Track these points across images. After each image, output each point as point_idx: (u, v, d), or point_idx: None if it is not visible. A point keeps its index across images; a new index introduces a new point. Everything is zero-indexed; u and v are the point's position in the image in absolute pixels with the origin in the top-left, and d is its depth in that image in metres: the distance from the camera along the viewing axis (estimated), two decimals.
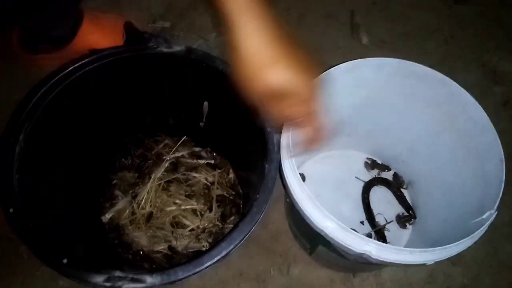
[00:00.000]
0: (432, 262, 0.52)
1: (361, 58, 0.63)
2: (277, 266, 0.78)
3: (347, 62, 0.63)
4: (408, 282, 0.77)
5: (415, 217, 0.80)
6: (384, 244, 0.51)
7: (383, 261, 0.52)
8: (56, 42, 0.91)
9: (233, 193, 0.81)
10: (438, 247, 0.51)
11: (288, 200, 0.70)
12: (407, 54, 1.01)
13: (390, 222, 0.80)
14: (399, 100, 0.70)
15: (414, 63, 0.63)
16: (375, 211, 0.80)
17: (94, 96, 0.65)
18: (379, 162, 0.86)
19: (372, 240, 0.51)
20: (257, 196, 0.53)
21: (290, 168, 0.56)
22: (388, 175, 0.86)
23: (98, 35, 0.87)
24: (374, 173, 0.86)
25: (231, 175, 0.83)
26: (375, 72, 0.65)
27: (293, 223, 0.73)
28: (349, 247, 0.52)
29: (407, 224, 0.80)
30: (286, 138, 0.58)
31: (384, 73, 0.65)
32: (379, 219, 0.80)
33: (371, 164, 0.86)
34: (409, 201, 0.82)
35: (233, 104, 0.66)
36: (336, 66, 0.62)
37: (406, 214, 0.81)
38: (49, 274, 0.77)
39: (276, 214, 0.83)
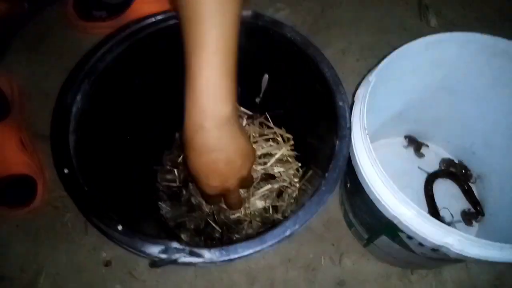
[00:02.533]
0: None
1: None
2: (329, 255, 0.74)
3: (427, 36, 0.57)
4: (472, 284, 0.71)
5: (483, 214, 0.73)
6: (470, 236, 0.45)
7: (464, 256, 0.46)
8: (111, 10, 0.89)
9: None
10: None
11: (349, 185, 0.65)
12: None
13: (458, 221, 0.73)
14: (481, 83, 0.63)
15: (508, 40, 0.56)
16: (439, 206, 0.74)
17: (154, 61, 0.62)
18: (417, 139, 0.81)
19: (456, 230, 0.46)
20: (326, 174, 0.48)
21: (362, 145, 0.51)
22: (425, 151, 0.80)
23: (154, 4, 0.84)
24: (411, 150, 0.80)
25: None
26: (459, 49, 0.59)
27: (352, 210, 0.68)
28: (427, 238, 0.47)
29: (473, 221, 0.74)
30: (358, 112, 0.53)
31: (469, 51, 0.59)
32: (444, 214, 0.74)
33: (409, 139, 0.80)
34: (477, 197, 0.75)
35: (299, 76, 0.62)
36: (415, 41, 0.56)
37: (473, 210, 0.74)
38: (93, 245, 0.76)
39: (329, 200, 0.77)
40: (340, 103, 0.54)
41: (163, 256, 0.44)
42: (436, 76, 0.64)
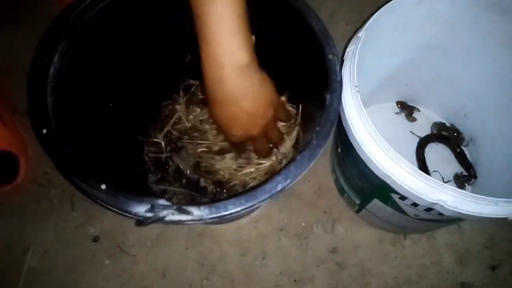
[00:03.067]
0: None
1: None
2: (321, 223, 0.73)
3: None
4: (465, 246, 0.71)
5: (475, 177, 0.72)
6: (464, 192, 0.44)
7: (459, 212, 0.45)
8: None
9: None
10: None
11: (340, 149, 0.64)
12: None
13: (448, 181, 0.72)
14: (473, 40, 0.61)
15: None
16: (430, 169, 0.73)
17: (140, 20, 0.59)
18: (409, 104, 0.80)
19: (449, 187, 0.44)
20: (317, 128, 0.46)
21: (353, 103, 0.49)
22: (417, 115, 0.79)
23: None
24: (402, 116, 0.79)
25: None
26: (451, 3, 0.57)
27: (343, 175, 0.67)
28: (421, 195, 0.45)
29: (466, 184, 0.73)
30: (348, 70, 0.51)
31: (461, 4, 0.57)
32: (435, 178, 0.72)
33: (401, 105, 0.79)
34: (469, 159, 0.74)
35: (288, 31, 0.59)
36: None
37: (465, 173, 0.73)
38: (80, 221, 0.74)
39: (320, 167, 0.76)
40: (330, 56, 0.51)
41: (150, 214, 0.42)
42: (427, 34, 0.62)
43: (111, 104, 0.62)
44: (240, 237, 0.72)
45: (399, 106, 0.79)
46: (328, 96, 0.49)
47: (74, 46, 0.51)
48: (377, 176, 0.49)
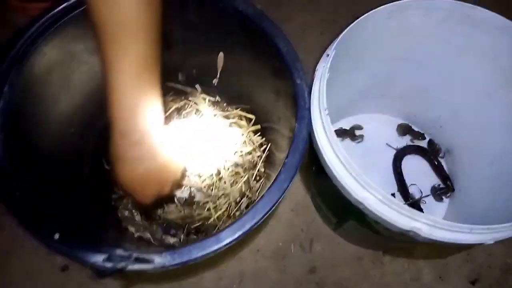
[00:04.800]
0: (492, 242, 0.44)
1: None
2: (298, 242, 0.71)
3: (390, 4, 0.53)
4: (444, 262, 0.69)
5: (453, 189, 0.71)
6: (438, 220, 0.42)
7: (433, 240, 0.43)
8: None
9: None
10: (505, 224, 0.42)
11: (314, 167, 0.61)
12: None
13: (427, 196, 0.71)
14: (447, 53, 0.60)
15: (472, 5, 0.52)
16: (408, 182, 0.72)
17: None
18: (415, 128, 0.77)
19: (423, 214, 0.42)
20: (286, 160, 0.44)
21: (322, 127, 0.47)
22: (422, 143, 0.77)
23: None
24: (406, 139, 0.76)
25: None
26: (424, 17, 0.55)
27: (318, 194, 0.65)
28: (393, 223, 0.44)
29: (443, 197, 0.71)
30: (317, 90, 0.48)
31: (434, 18, 0.55)
32: (413, 191, 0.71)
33: (403, 129, 0.76)
34: (447, 171, 0.73)
35: (255, 52, 0.57)
36: (380, 8, 0.52)
37: (442, 186, 0.72)
38: (47, 249, 0.70)
39: (296, 184, 0.74)
40: (298, 81, 0.49)
41: (108, 264, 0.40)
42: (401, 47, 0.61)
43: (72, 130, 0.59)
44: (216, 260, 0.69)
45: (338, 134, 0.75)
46: (296, 124, 0.46)
47: (25, 75, 0.48)
48: (350, 201, 0.47)
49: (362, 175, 0.44)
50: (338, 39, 0.50)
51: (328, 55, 0.50)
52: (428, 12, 0.54)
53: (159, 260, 0.39)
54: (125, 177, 0.43)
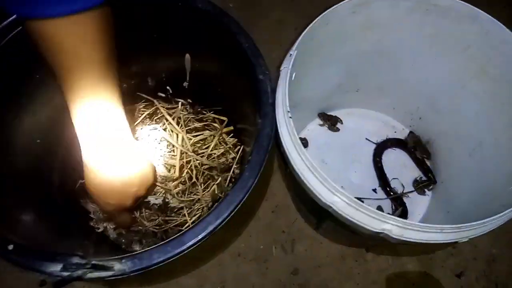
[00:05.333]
0: (467, 239, 0.42)
1: None
2: (280, 244, 0.69)
3: None
4: (428, 256, 0.68)
5: (435, 182, 0.70)
6: (407, 221, 0.41)
7: (405, 240, 0.42)
8: None
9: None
10: (476, 222, 0.41)
11: (288, 170, 0.60)
12: None
13: (412, 191, 0.69)
14: (417, 44, 0.58)
15: None
16: (389, 177, 0.70)
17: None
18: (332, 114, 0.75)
19: (391, 216, 0.41)
20: (250, 158, 0.42)
21: (287, 131, 0.45)
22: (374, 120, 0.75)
23: None
24: (386, 132, 0.75)
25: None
26: (390, 9, 0.53)
27: (296, 194, 0.63)
28: (363, 226, 0.42)
29: (426, 190, 0.70)
30: (283, 92, 0.47)
31: (401, 9, 0.53)
32: (395, 185, 0.70)
33: (323, 116, 0.75)
34: (428, 164, 0.72)
35: (220, 51, 0.55)
36: (342, 3, 0.50)
37: (424, 178, 0.71)
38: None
39: (277, 184, 0.73)
40: (261, 77, 0.47)
41: (65, 274, 0.38)
42: (370, 41, 0.59)
43: (38, 141, 0.57)
44: (197, 266, 0.68)
45: (321, 118, 0.75)
46: (260, 120, 0.45)
47: None
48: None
49: (327, 179, 0.42)
50: (299, 39, 0.48)
51: (291, 54, 0.48)
52: (394, 3, 0.52)
53: (119, 266, 0.38)
54: (90, 184, 0.45)
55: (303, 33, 0.49)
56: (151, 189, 0.53)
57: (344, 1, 0.50)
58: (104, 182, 0.44)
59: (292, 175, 0.59)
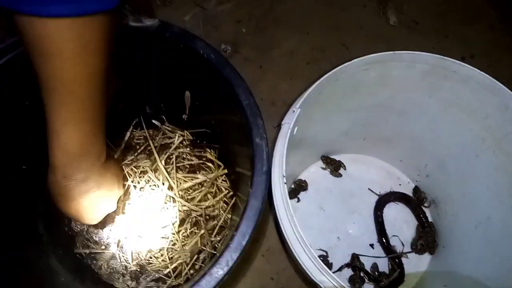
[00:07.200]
0: None
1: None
2: None
3: (371, 55, 0.47)
4: None
5: (436, 246, 0.66)
6: None
7: None
8: None
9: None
10: None
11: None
12: (442, 40, 0.84)
13: (410, 252, 0.66)
14: (432, 105, 0.55)
15: (456, 61, 0.47)
16: (389, 234, 0.67)
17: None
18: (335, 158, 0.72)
19: None
20: (234, 233, 0.39)
21: (281, 198, 0.42)
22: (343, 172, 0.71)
23: None
24: (390, 184, 0.71)
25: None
26: (406, 69, 0.50)
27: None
28: None
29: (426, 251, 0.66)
30: (280, 154, 0.43)
31: (417, 71, 0.50)
32: (395, 243, 0.66)
33: (326, 160, 0.71)
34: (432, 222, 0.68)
35: (219, 96, 0.52)
36: (354, 61, 0.46)
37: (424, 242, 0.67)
38: None
39: (270, 227, 0.69)
40: (257, 140, 0.43)
41: None
42: (382, 96, 0.56)
43: (24, 167, 0.55)
44: None
45: (324, 161, 0.71)
46: (250, 190, 0.41)
47: None
48: None
49: (317, 259, 0.39)
50: (304, 97, 0.45)
51: (294, 111, 0.45)
52: (410, 64, 0.49)
53: None
54: (67, 208, 0.43)
55: (308, 91, 0.45)
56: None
57: (356, 59, 0.46)
58: (85, 205, 0.44)
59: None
